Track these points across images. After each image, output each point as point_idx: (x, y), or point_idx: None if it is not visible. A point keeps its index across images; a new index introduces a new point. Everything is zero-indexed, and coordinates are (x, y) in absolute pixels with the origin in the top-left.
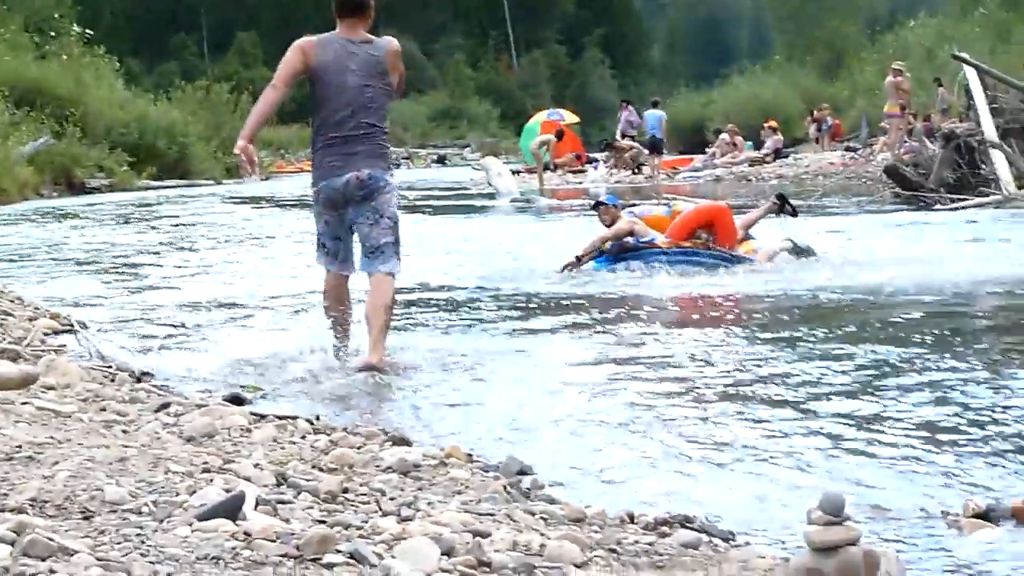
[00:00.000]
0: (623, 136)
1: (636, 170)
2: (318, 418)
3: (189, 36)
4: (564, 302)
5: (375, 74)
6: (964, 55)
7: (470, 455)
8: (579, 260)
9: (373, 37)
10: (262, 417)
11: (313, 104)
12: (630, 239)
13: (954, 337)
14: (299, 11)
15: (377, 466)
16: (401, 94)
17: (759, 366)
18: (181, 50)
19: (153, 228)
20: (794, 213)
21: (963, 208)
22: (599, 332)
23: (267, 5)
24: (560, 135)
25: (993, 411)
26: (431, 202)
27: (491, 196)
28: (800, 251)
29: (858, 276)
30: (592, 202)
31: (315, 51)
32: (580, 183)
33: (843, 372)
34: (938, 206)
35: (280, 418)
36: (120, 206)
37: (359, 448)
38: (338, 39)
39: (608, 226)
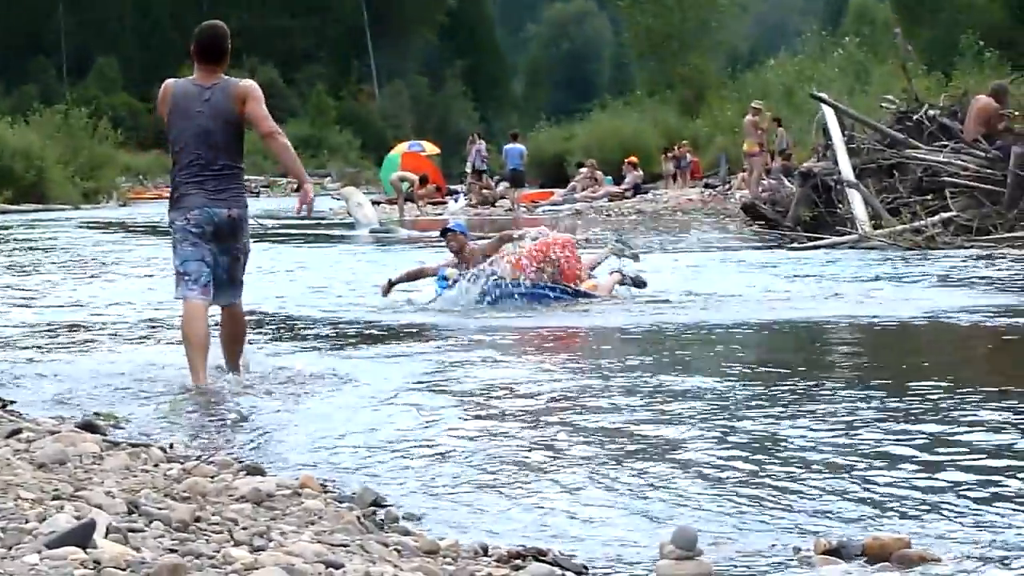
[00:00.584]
0: (474, 170)
1: (492, 203)
2: (171, 446)
3: (49, 60)
4: (416, 329)
5: (226, 113)
6: (822, 95)
7: (324, 485)
8: (391, 283)
9: (227, 79)
10: (115, 444)
11: (172, 144)
12: (486, 267)
13: (797, 371)
14: (159, 36)
15: (230, 495)
16: (262, 121)
17: (606, 397)
18: (40, 73)
19: (5, 251)
20: (635, 258)
21: (819, 247)
22: (451, 361)
23: (128, 31)
24: (424, 180)
25: (843, 447)
26: (289, 231)
27: (351, 226)
28: (634, 282)
29: (694, 311)
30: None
31: (168, 99)
32: (440, 215)
33: (692, 405)
34: (795, 244)
35: (133, 446)
36: None
37: (212, 477)
38: (191, 86)
39: (455, 252)
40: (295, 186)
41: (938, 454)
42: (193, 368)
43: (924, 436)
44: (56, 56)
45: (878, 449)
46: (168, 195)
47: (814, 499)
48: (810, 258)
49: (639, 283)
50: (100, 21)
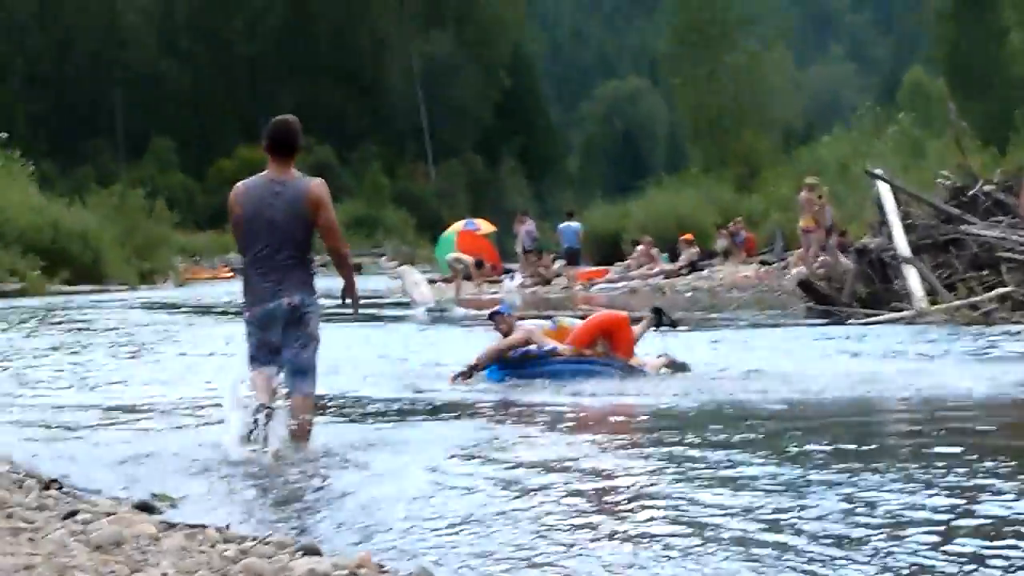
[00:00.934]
0: (524, 250)
1: (547, 282)
2: (228, 527)
3: (105, 140)
4: (473, 407)
5: (297, 210)
6: (877, 170)
7: (381, 566)
8: (472, 369)
9: (299, 175)
10: (171, 525)
11: (242, 239)
12: (532, 347)
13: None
14: (214, 116)
15: (287, 575)
16: (334, 237)
17: (658, 477)
18: (96, 154)
19: (61, 331)
20: (673, 325)
21: (875, 323)
22: (503, 437)
23: (184, 111)
24: (480, 264)
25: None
26: (346, 310)
27: (407, 305)
28: (677, 365)
29: (741, 389)
30: (488, 312)
31: (240, 199)
32: (496, 293)
33: (737, 491)
34: (851, 321)
35: (190, 527)
36: (30, 311)
37: (269, 558)
38: (262, 181)
39: (504, 335)
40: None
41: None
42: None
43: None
44: (112, 137)
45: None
46: (224, 275)
47: None
48: (866, 334)
49: (683, 368)
50: (156, 101)
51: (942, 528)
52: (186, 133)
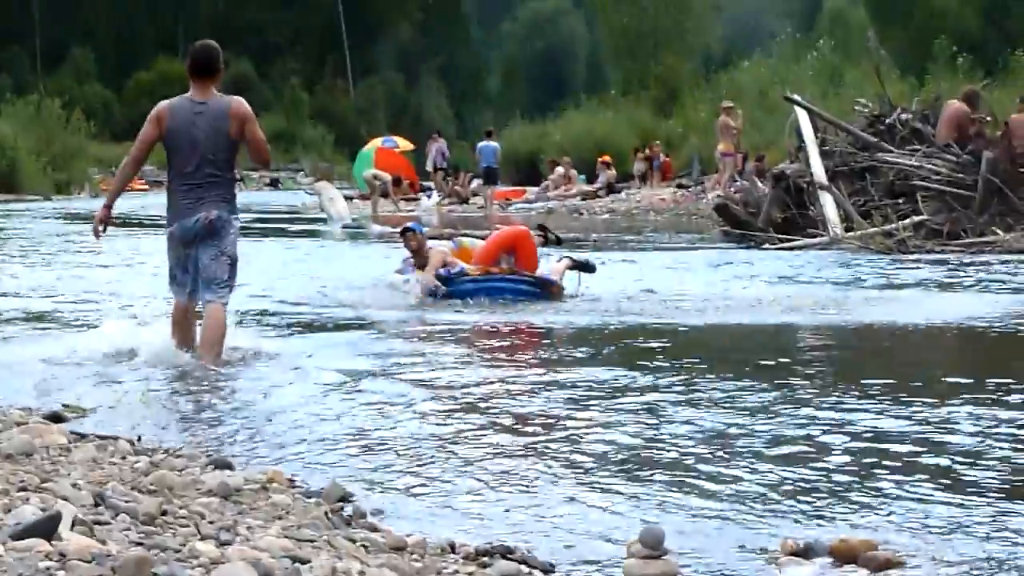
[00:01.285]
0: (435, 168)
1: (464, 201)
2: (139, 439)
3: (23, 48)
4: (388, 328)
5: (219, 130)
6: (796, 96)
7: (292, 480)
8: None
9: (219, 95)
10: (82, 436)
11: (167, 157)
12: (442, 270)
13: (770, 371)
14: (134, 28)
15: (198, 489)
16: (261, 151)
17: (572, 396)
18: (13, 63)
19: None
20: (558, 241)
21: (791, 248)
22: (418, 360)
23: (102, 20)
24: (398, 181)
25: (813, 447)
26: (262, 225)
27: (323, 221)
28: (580, 265)
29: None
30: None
31: (166, 118)
32: (413, 211)
33: (658, 404)
34: (766, 245)
35: (101, 438)
36: None
37: (180, 471)
38: (186, 101)
39: (413, 251)
40: (267, 180)
41: (914, 459)
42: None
43: (902, 438)
44: (30, 46)
45: (852, 452)
46: (139, 187)
47: (782, 500)
48: (781, 258)
49: (589, 267)
50: (75, 11)
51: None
52: (105, 44)
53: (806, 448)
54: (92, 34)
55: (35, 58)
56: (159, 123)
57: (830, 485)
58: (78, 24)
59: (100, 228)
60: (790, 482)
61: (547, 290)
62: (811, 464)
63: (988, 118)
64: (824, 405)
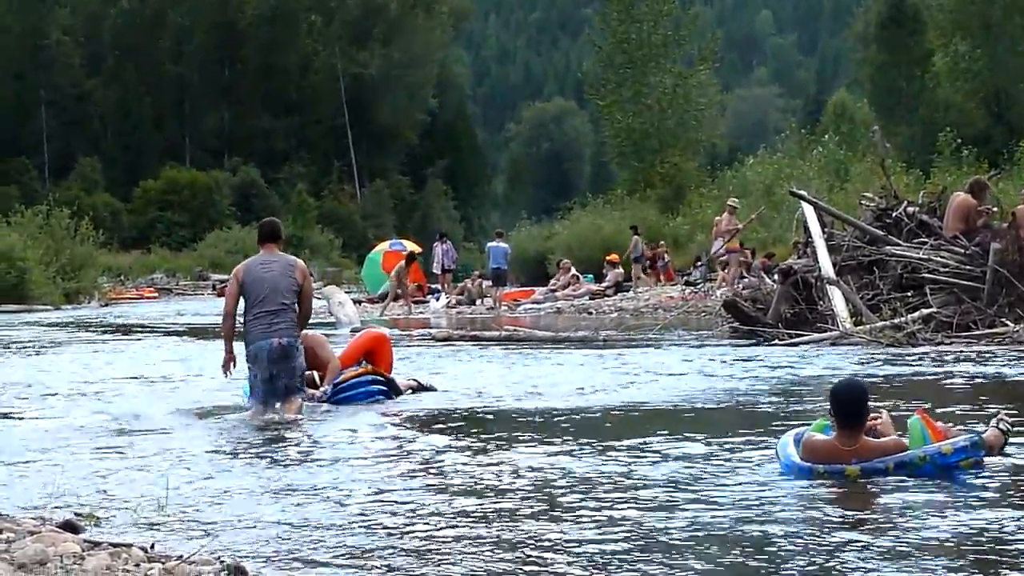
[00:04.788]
0: (443, 270)
1: (472, 302)
2: (152, 546)
3: (30, 159)
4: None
5: (287, 274)
6: (802, 192)
7: None
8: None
9: (284, 254)
10: (96, 544)
11: (245, 301)
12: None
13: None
14: (140, 136)
15: None
16: (307, 303)
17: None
18: (22, 174)
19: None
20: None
21: (800, 343)
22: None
23: (110, 131)
24: (411, 258)
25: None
26: None
27: (332, 325)
28: (422, 387)
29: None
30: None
31: (242, 273)
32: (422, 313)
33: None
34: (775, 341)
35: (114, 546)
36: None
37: None
38: (258, 258)
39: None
40: None
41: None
42: None
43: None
44: (38, 156)
45: None
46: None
47: None
48: (789, 354)
49: (429, 388)
50: (82, 122)
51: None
52: (112, 153)
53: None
54: (99, 144)
55: (43, 168)
56: (237, 277)
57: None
58: (86, 134)
59: (230, 368)
60: None
61: (395, 391)
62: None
63: (994, 208)
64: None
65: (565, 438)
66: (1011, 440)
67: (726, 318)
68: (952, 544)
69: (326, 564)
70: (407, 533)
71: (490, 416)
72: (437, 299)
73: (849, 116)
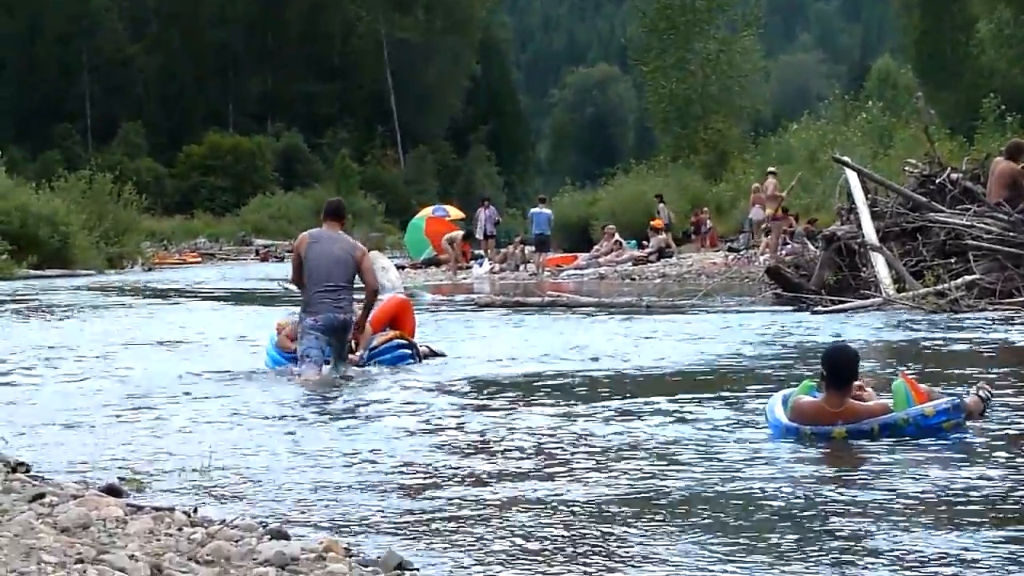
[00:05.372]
0: (486, 236)
1: (516, 268)
2: (195, 510)
3: (74, 125)
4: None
5: (347, 256)
6: (845, 158)
7: (348, 549)
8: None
9: (345, 235)
10: (139, 508)
11: (308, 271)
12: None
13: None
14: (184, 102)
15: (254, 559)
16: (371, 280)
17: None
18: (65, 139)
19: (29, 317)
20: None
21: (843, 310)
22: (453, 421)
23: (152, 96)
24: (468, 236)
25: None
26: None
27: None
28: (433, 353)
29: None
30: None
31: (307, 242)
32: (466, 279)
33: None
34: (818, 308)
35: (157, 510)
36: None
37: (236, 541)
38: (323, 230)
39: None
40: None
41: None
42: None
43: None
44: (81, 121)
45: None
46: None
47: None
48: (830, 320)
49: (439, 353)
50: (125, 87)
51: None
52: (155, 118)
53: None
54: (142, 109)
55: (86, 133)
56: (300, 248)
57: None
58: (128, 99)
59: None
60: None
61: (419, 355)
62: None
63: None
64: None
65: (580, 401)
66: (992, 406)
67: (769, 284)
68: (934, 501)
69: (366, 529)
70: (437, 497)
71: (514, 380)
72: (480, 265)
73: (893, 82)
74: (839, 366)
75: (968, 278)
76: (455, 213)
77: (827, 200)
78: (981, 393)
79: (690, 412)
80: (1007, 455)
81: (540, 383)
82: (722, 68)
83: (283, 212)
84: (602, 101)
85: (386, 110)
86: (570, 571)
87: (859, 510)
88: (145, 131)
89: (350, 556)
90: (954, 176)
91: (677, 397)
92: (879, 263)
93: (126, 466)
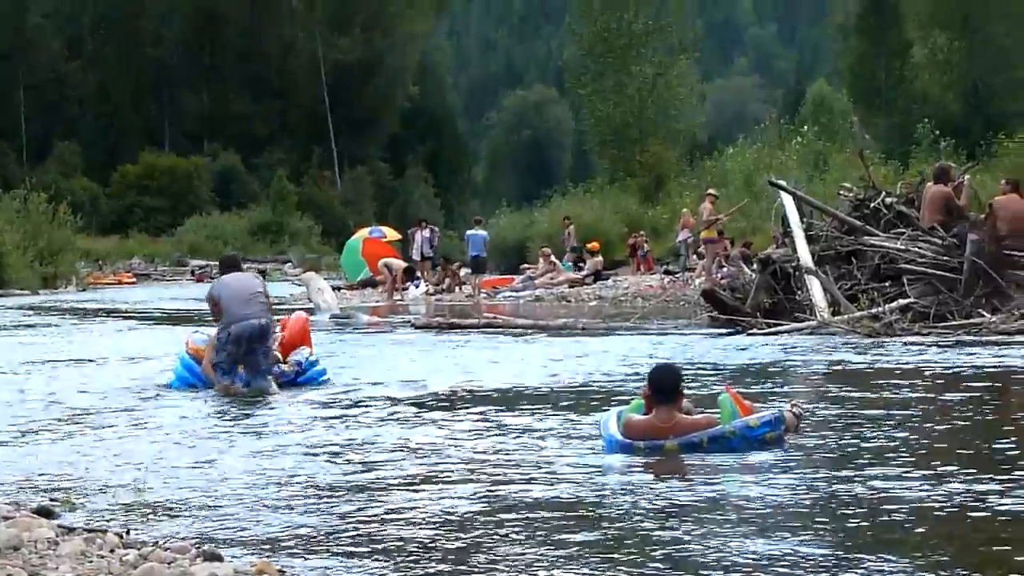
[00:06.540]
0: (422, 257)
1: (451, 290)
2: (128, 532)
3: (8, 143)
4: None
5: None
6: (781, 182)
7: (282, 572)
8: None
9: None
10: (71, 530)
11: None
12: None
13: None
14: (119, 120)
15: None
16: None
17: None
18: (0, 157)
19: None
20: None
21: (779, 333)
22: (395, 437)
23: (88, 114)
24: (409, 271)
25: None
26: None
27: (311, 311)
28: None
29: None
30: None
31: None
32: (401, 300)
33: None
34: (753, 331)
35: (89, 531)
36: None
37: (169, 563)
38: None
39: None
40: (254, 272)
41: None
42: None
43: None
44: (15, 140)
45: None
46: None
47: None
48: (763, 344)
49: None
50: (60, 105)
51: None
52: (91, 137)
53: None
54: (77, 127)
55: (21, 152)
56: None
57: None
58: (64, 117)
59: None
60: None
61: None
62: None
63: (964, 179)
64: None
65: (465, 416)
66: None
67: (705, 307)
68: (755, 506)
69: (298, 549)
70: (362, 512)
71: (414, 397)
72: (416, 286)
73: (828, 107)
74: (662, 383)
75: (902, 302)
76: (392, 234)
77: (763, 223)
78: (795, 410)
79: (551, 424)
80: (822, 468)
81: (453, 399)
82: (659, 92)
83: (219, 233)
84: (539, 123)
85: (323, 131)
86: None
87: (685, 516)
88: (80, 150)
89: None
90: (888, 200)
91: (545, 411)
92: (814, 286)
93: (54, 486)
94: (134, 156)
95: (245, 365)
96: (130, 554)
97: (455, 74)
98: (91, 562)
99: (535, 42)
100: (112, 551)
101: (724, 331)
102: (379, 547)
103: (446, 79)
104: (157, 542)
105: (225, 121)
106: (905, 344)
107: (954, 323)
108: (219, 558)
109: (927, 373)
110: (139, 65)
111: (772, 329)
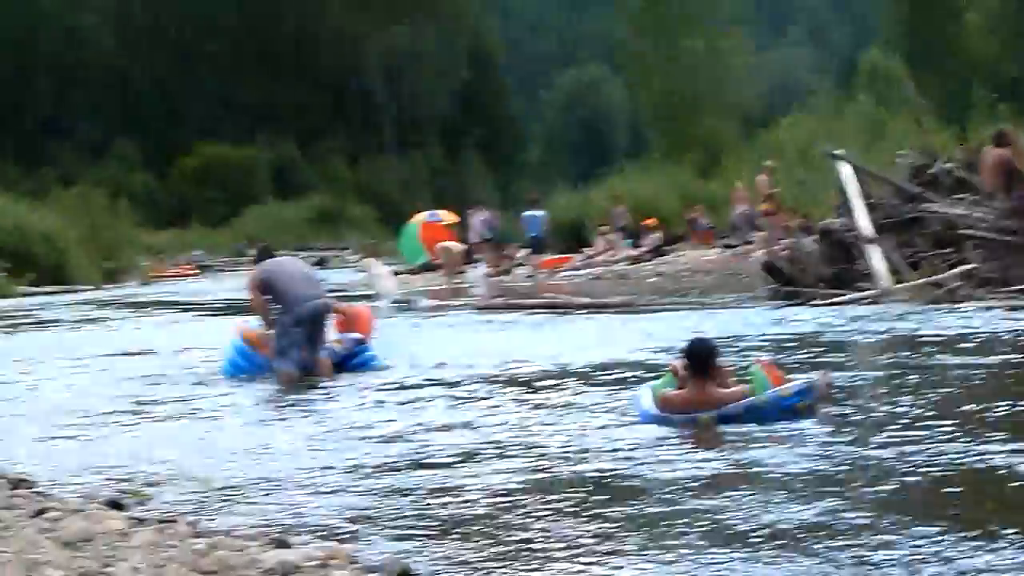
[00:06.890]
0: (481, 239)
1: (509, 271)
2: (199, 521)
3: (67, 141)
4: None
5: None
6: (838, 152)
7: (352, 557)
8: None
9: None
10: (141, 521)
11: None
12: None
13: None
14: (176, 114)
15: (257, 568)
16: None
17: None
18: (59, 155)
19: (27, 334)
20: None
21: (840, 303)
22: (459, 425)
23: (145, 109)
24: (469, 253)
25: None
26: None
27: (372, 297)
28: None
29: None
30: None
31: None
32: (461, 283)
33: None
34: (814, 301)
35: (160, 522)
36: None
37: (239, 551)
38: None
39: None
40: (314, 260)
41: None
42: None
43: None
44: (74, 137)
45: None
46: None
47: None
48: (823, 313)
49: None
50: (117, 101)
51: None
52: (148, 132)
53: None
54: (134, 123)
55: (79, 149)
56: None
57: None
58: (121, 113)
59: None
60: None
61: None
62: None
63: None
64: None
65: (507, 397)
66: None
67: (766, 280)
68: (792, 475)
69: (363, 533)
70: (430, 499)
71: (467, 379)
72: (476, 268)
73: (883, 74)
74: (698, 357)
75: (964, 267)
76: (449, 218)
77: (821, 194)
78: (826, 379)
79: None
80: (857, 436)
81: (508, 378)
82: (711, 65)
83: (278, 223)
84: (593, 102)
85: (378, 117)
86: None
87: (723, 487)
88: (138, 145)
89: (353, 564)
90: (948, 166)
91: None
92: (875, 255)
93: (124, 477)
94: (190, 149)
95: (309, 345)
96: (200, 543)
97: (508, 55)
98: (162, 552)
99: (586, 20)
100: (183, 541)
101: (785, 303)
102: (440, 526)
103: (498, 61)
104: (227, 530)
105: (280, 111)
106: (968, 310)
107: (1018, 287)
108: (287, 545)
109: (986, 339)
110: (192, 58)
111: (833, 300)
